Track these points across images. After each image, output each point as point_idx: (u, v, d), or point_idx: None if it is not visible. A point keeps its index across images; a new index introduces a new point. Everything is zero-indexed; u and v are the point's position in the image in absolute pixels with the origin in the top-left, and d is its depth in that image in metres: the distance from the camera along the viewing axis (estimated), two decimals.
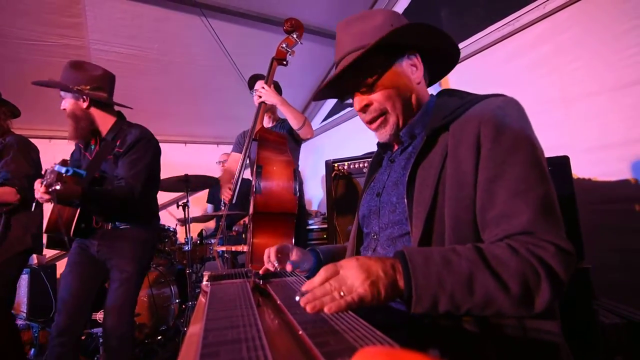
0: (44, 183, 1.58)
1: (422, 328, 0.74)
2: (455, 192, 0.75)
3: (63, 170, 1.59)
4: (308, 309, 0.56)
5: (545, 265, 0.63)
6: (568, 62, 1.94)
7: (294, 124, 2.30)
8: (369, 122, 0.93)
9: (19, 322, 2.75)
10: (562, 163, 1.46)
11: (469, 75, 2.51)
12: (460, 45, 2.56)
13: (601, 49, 1.80)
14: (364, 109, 0.91)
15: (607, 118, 1.77)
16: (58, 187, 1.53)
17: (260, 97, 2.23)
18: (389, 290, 0.61)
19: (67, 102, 1.82)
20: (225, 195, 2.30)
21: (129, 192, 1.76)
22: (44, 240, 1.87)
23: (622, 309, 1.40)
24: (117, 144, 1.87)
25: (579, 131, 1.88)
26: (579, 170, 1.80)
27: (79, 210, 1.75)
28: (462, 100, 0.84)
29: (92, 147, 1.90)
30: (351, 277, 0.61)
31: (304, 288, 0.62)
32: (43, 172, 1.66)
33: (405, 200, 0.82)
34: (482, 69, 2.45)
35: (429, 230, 0.76)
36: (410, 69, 0.90)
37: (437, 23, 2.92)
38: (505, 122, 0.74)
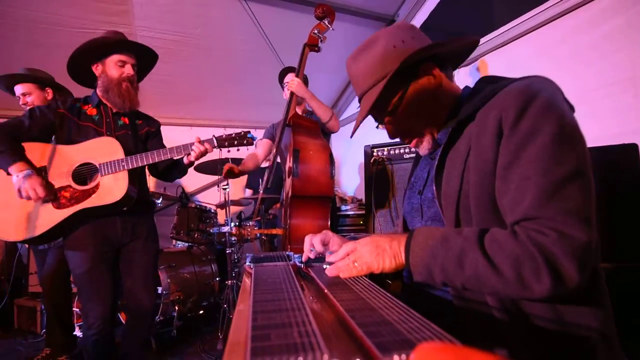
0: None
1: (462, 315, 0.78)
2: (478, 181, 0.75)
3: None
4: (328, 273, 0.76)
5: (545, 252, 0.61)
6: None
7: (322, 117, 2.34)
8: (407, 143, 0.98)
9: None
10: (629, 151, 1.33)
11: (522, 55, 2.31)
12: (516, 22, 2.34)
13: None
14: (397, 136, 0.96)
15: None
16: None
17: (290, 88, 2.30)
18: (392, 261, 0.75)
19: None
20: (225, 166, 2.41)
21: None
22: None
23: None
24: (140, 123, 1.97)
25: None
26: None
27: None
28: (492, 86, 0.80)
29: (95, 117, 1.84)
30: (363, 251, 0.76)
31: (328, 259, 0.82)
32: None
33: (436, 194, 0.85)
34: (538, 47, 2.24)
35: (459, 221, 0.79)
36: (428, 79, 0.89)
37: None
38: (526, 107, 0.70)
